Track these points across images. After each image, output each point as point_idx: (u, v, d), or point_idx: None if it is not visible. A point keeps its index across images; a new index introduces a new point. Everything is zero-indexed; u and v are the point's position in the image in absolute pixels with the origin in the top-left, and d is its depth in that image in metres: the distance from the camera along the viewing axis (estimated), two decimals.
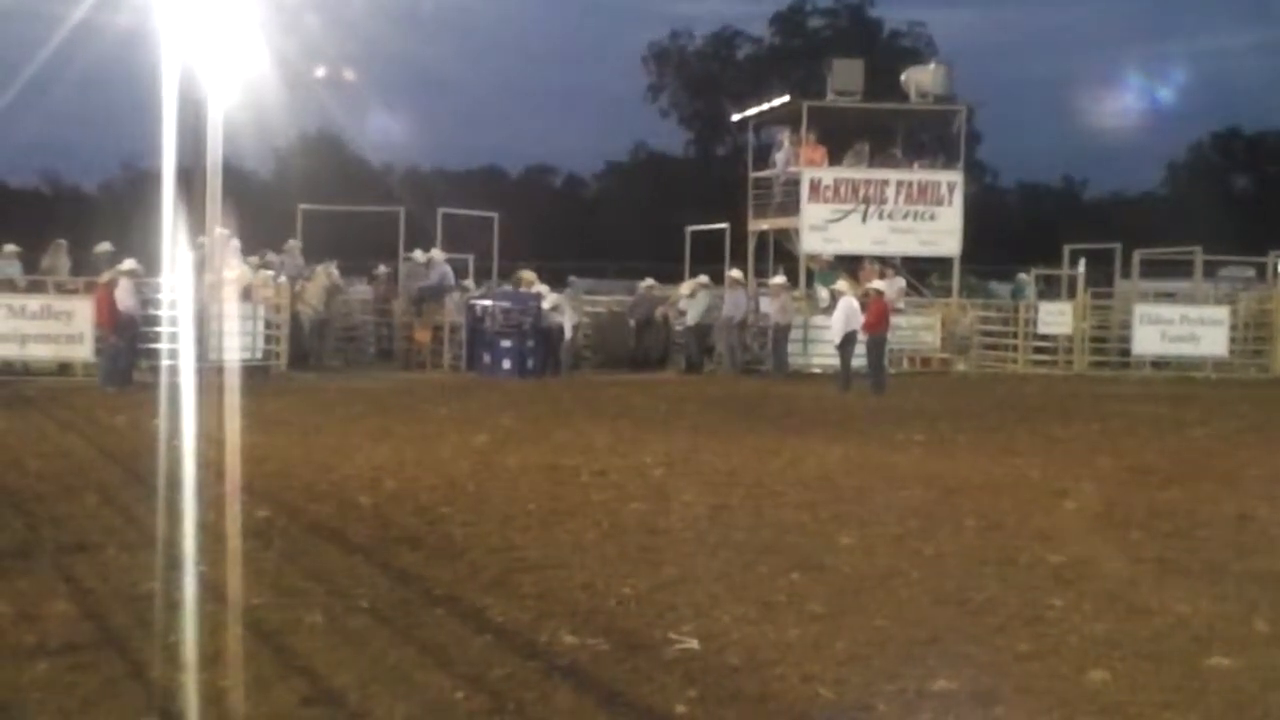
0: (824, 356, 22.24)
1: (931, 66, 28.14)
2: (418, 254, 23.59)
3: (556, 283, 24.89)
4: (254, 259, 22.08)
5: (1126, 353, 24.66)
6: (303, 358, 21.28)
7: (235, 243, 21.12)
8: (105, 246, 21.90)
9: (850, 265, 25.20)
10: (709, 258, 26.17)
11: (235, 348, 18.42)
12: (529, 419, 15.17)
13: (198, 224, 19.30)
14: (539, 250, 32.77)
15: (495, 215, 25.46)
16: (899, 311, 23.24)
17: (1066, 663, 6.13)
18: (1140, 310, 24.57)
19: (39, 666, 5.71)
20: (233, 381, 13.10)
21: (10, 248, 22.27)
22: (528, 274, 23.06)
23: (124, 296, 18.19)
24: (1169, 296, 27.22)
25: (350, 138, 54.89)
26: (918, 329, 24.40)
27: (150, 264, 19.32)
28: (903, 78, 27.47)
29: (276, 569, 7.52)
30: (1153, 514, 9.86)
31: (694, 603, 6.99)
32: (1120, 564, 8.19)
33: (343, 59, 37.03)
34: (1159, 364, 24.54)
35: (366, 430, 13.87)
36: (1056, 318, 24.62)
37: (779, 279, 23.45)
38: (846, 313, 20.20)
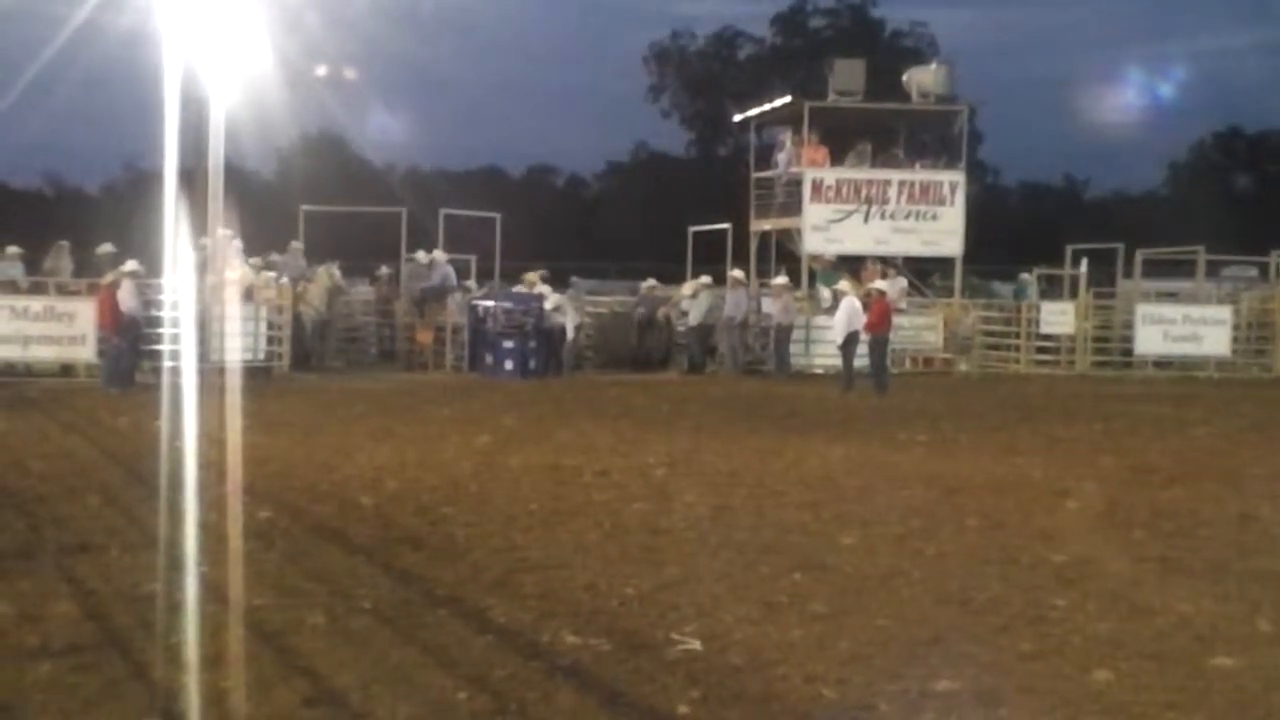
0: (826, 357, 22.23)
1: (933, 66, 28.15)
2: (420, 255, 23.59)
3: (559, 284, 24.88)
4: (256, 260, 22.08)
5: (1129, 352, 24.65)
6: (305, 359, 21.28)
7: (237, 244, 21.11)
8: (107, 248, 21.90)
9: (852, 265, 25.19)
10: (711, 258, 26.18)
11: (237, 349, 18.45)
12: (531, 419, 15.17)
13: (200, 225, 19.29)
14: (541, 251, 32.74)
15: (497, 216, 25.45)
16: (901, 311, 23.24)
17: (1069, 663, 6.13)
18: (1142, 310, 24.57)
19: (41, 667, 5.71)
20: (235, 382, 13.11)
21: (12, 249, 22.27)
22: (531, 275, 23.08)
23: (126, 298, 18.19)
24: (1171, 296, 27.21)
25: (352, 138, 54.95)
26: (920, 329, 24.39)
27: (152, 265, 19.32)
28: (904, 78, 27.46)
29: (278, 570, 7.53)
30: (1155, 514, 9.85)
31: (696, 603, 6.98)
32: (1123, 564, 8.18)
33: (344, 59, 37.07)
34: (1161, 364, 24.54)
35: (368, 431, 13.87)
36: (1059, 318, 24.59)
37: (781, 279, 23.45)
38: (849, 313, 20.21)
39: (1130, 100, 64.39)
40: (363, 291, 25.73)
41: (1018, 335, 24.74)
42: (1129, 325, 24.73)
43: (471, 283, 24.05)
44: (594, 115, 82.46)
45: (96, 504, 9.47)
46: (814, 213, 25.46)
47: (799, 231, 25.75)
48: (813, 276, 25.49)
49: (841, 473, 11.54)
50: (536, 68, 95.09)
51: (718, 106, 56.84)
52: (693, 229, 27.63)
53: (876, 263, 24.67)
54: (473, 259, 25.28)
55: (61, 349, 19.29)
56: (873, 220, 25.60)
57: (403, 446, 12.63)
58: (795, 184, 26.01)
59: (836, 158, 26.43)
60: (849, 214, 25.56)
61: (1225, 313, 24.83)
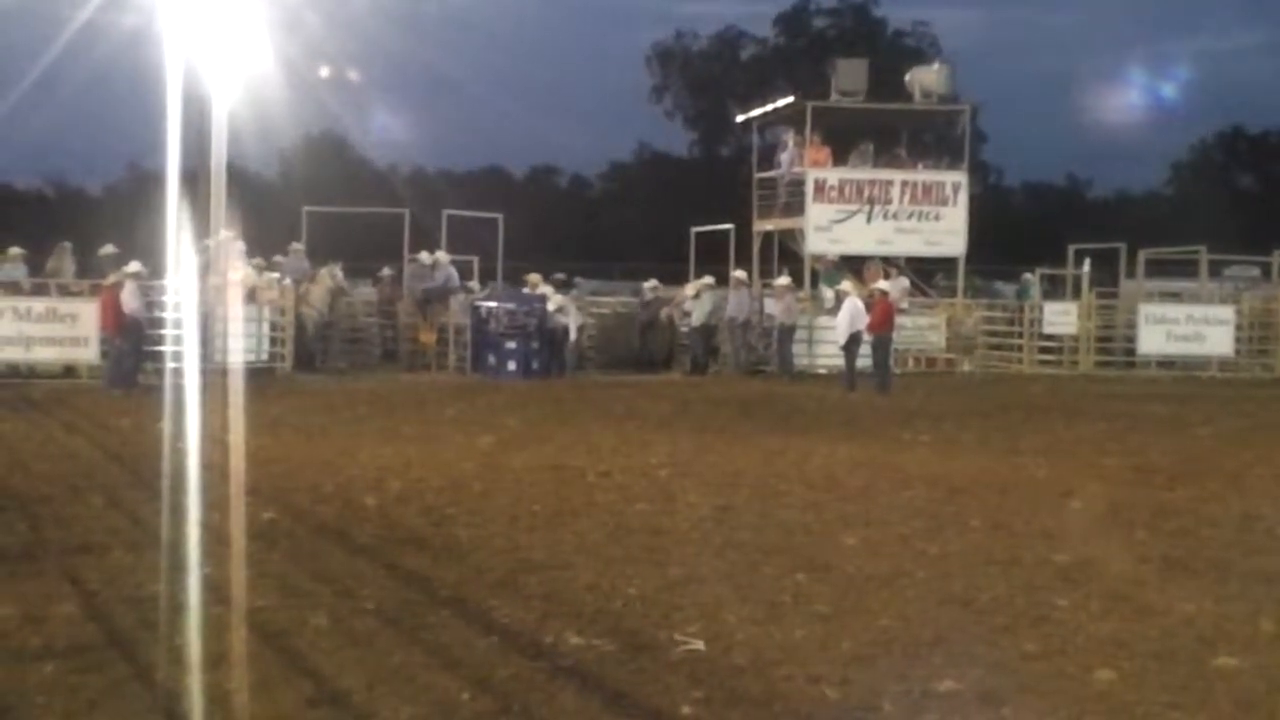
0: (829, 357, 22.22)
1: (936, 66, 28.13)
2: (423, 255, 23.58)
3: (563, 285, 24.88)
4: (258, 260, 22.09)
5: (1132, 352, 24.64)
6: (307, 360, 21.29)
7: (240, 245, 21.13)
8: (110, 249, 21.92)
9: (855, 266, 25.19)
10: (714, 258, 26.16)
11: (239, 350, 18.45)
12: (534, 420, 15.17)
13: (202, 226, 19.33)
14: (543, 251, 32.77)
15: (500, 216, 25.45)
16: (903, 312, 23.23)
17: (1073, 663, 6.12)
18: (1145, 310, 24.55)
19: (45, 668, 5.72)
20: (237, 383, 13.13)
21: (15, 250, 22.30)
22: (534, 276, 23.11)
23: (129, 299, 18.19)
24: (1174, 296, 27.18)
25: (355, 139, 55.03)
26: (922, 329, 24.39)
27: (155, 266, 19.35)
28: (907, 78, 27.44)
29: (281, 571, 7.52)
30: (1158, 513, 9.84)
31: (699, 603, 6.98)
32: (1126, 564, 8.18)
33: (347, 60, 37.14)
34: (1164, 364, 24.51)
35: (371, 432, 13.87)
36: (1061, 317, 24.58)
37: (784, 280, 23.42)
38: (851, 313, 20.20)
39: (1133, 100, 64.48)
40: (365, 292, 25.73)
41: (1020, 335, 24.73)
42: (1132, 325, 24.71)
43: (474, 283, 24.06)
44: (597, 116, 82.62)
45: (99, 505, 9.47)
46: (817, 213, 25.46)
47: (802, 232, 25.75)
48: (815, 277, 25.48)
49: (844, 473, 11.53)
50: (539, 68, 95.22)
51: (720, 107, 56.87)
52: (695, 229, 27.62)
53: (879, 263, 24.66)
54: (475, 260, 25.29)
55: (64, 350, 19.30)
56: (875, 220, 25.59)
57: (406, 447, 12.63)
58: (798, 184, 26.00)
59: (839, 158, 26.42)
60: (852, 214, 25.55)
61: (1228, 313, 24.80)
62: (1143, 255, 27.38)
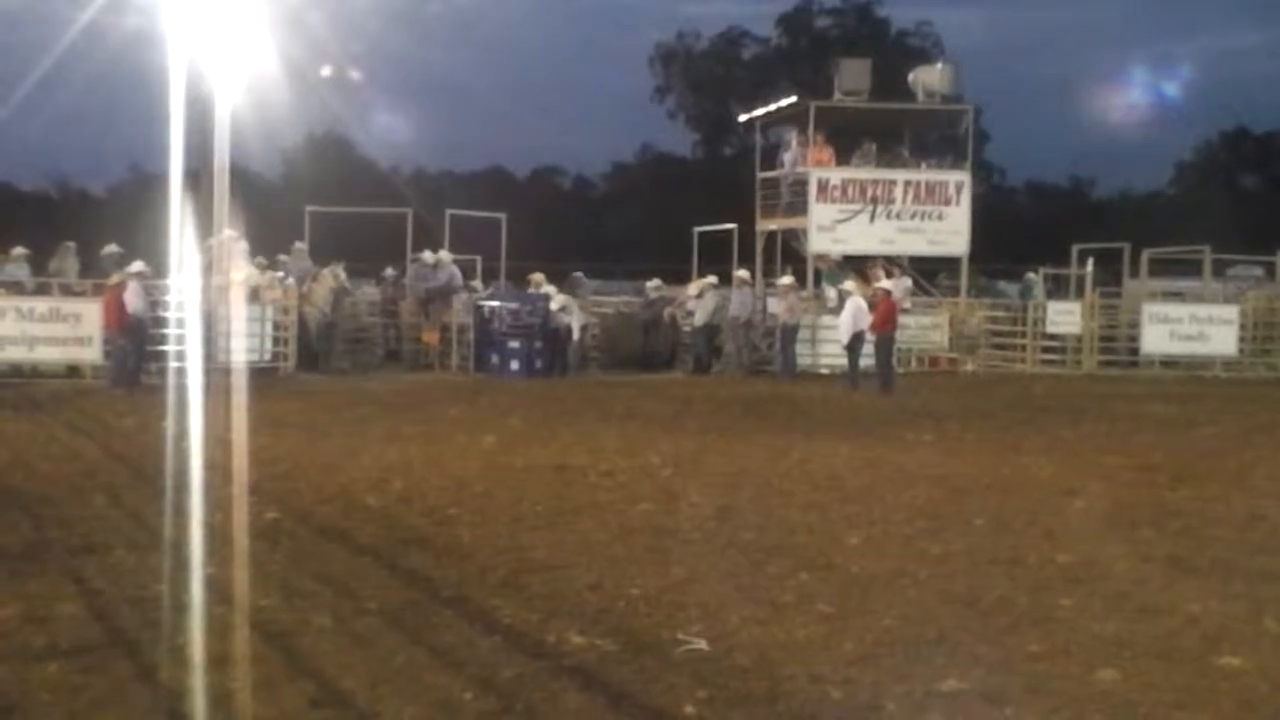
0: (832, 357, 22.23)
1: (939, 66, 28.11)
2: (425, 255, 23.59)
3: (580, 284, 24.91)
4: (260, 259, 22.10)
5: (1135, 352, 24.64)
6: (310, 360, 21.30)
7: (243, 245, 21.14)
8: (113, 249, 21.95)
9: (858, 265, 25.19)
10: (716, 258, 26.16)
11: (242, 350, 18.48)
12: (537, 420, 15.18)
13: (205, 226, 19.38)
14: (546, 251, 32.75)
15: (503, 216, 25.45)
16: (906, 311, 23.23)
17: (1076, 662, 6.12)
18: (1149, 309, 24.54)
19: (48, 668, 5.72)
20: (240, 383, 13.14)
21: (18, 250, 22.35)
22: (538, 276, 23.11)
23: (132, 299, 18.21)
24: (1178, 296, 27.17)
25: (357, 139, 55.04)
26: (926, 329, 24.38)
27: (158, 266, 19.38)
28: (910, 77, 27.43)
29: (284, 571, 7.52)
30: (1162, 513, 9.83)
31: (702, 603, 6.98)
32: (1130, 563, 8.17)
33: (350, 60, 37.12)
34: (1168, 363, 24.50)
35: (374, 432, 13.87)
36: (1065, 317, 24.57)
37: (787, 279, 23.43)
38: (854, 313, 20.20)
39: (1137, 100, 64.38)
40: (368, 292, 25.74)
41: (1024, 335, 24.73)
42: (1135, 325, 24.71)
43: (477, 283, 24.07)
44: (600, 116, 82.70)
45: (103, 505, 9.47)
46: (820, 212, 25.45)
47: (804, 231, 25.73)
48: (818, 276, 25.48)
49: (847, 473, 11.53)
50: (542, 69, 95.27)
51: (723, 107, 56.90)
52: (698, 229, 27.61)
53: (882, 262, 24.65)
54: (478, 259, 25.30)
55: (67, 350, 19.31)
56: (878, 220, 25.58)
57: (408, 447, 12.63)
58: (801, 184, 25.98)
59: (842, 157, 26.41)
60: (855, 214, 25.54)
61: (1232, 312, 24.79)
62: (1146, 255, 27.36)
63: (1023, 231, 46.97)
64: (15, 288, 20.71)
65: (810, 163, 25.83)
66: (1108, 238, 28.51)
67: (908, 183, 25.82)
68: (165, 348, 18.75)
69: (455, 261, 23.64)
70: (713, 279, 23.88)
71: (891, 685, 5.74)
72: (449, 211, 24.87)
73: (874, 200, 25.61)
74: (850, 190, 25.65)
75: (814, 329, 23.08)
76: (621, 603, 7.00)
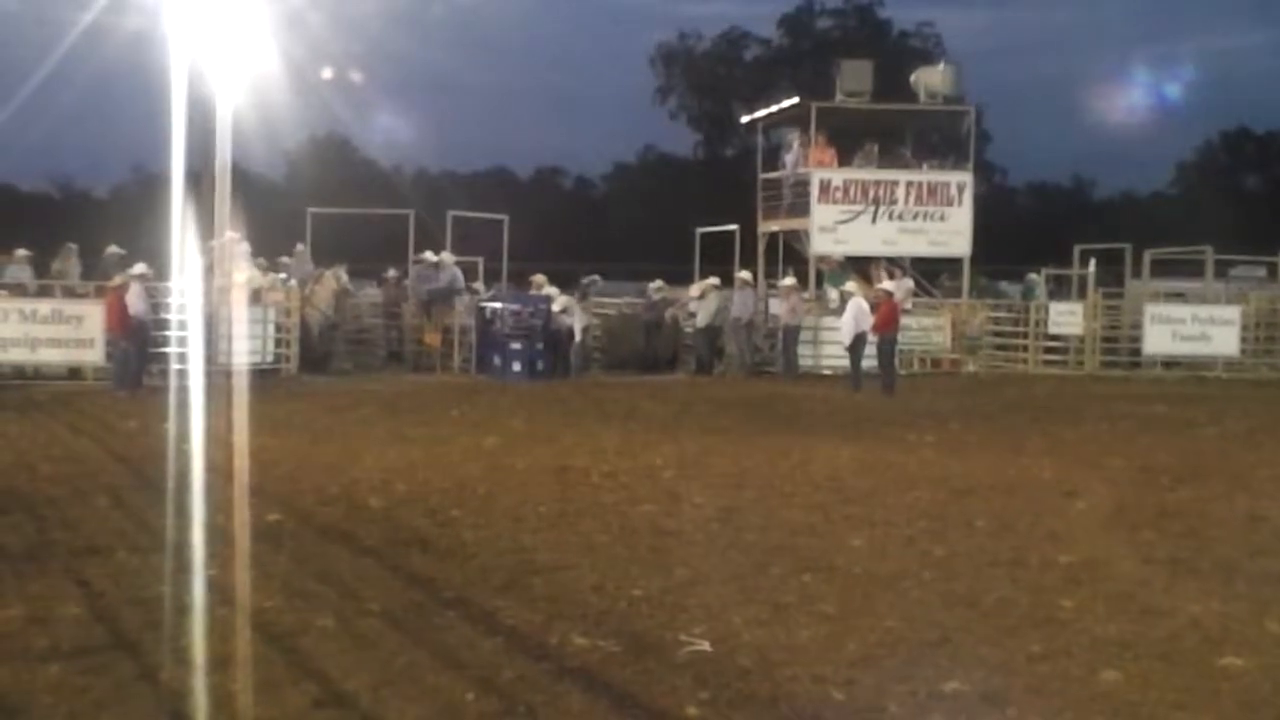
0: (834, 358, 22.22)
1: (940, 67, 28.10)
2: (427, 256, 23.57)
3: (570, 285, 24.88)
4: (262, 261, 22.11)
5: (1137, 353, 24.62)
6: (313, 361, 21.30)
7: (244, 246, 21.15)
8: (115, 250, 21.96)
9: (860, 266, 25.18)
10: (718, 259, 26.13)
11: (244, 351, 18.49)
12: (539, 421, 15.18)
13: (207, 228, 19.39)
14: (548, 253, 32.76)
15: (505, 217, 25.44)
16: (908, 312, 23.22)
17: (1078, 664, 6.12)
18: (1151, 310, 24.52)
19: (50, 669, 5.72)
20: (242, 385, 13.14)
21: (21, 252, 22.36)
22: (539, 277, 23.11)
23: (134, 300, 18.22)
24: (1180, 296, 27.14)
25: (359, 141, 55.09)
26: (928, 330, 24.36)
27: (160, 268, 19.39)
28: (912, 78, 27.41)
29: (287, 572, 7.53)
30: (1164, 514, 9.83)
31: (705, 604, 6.98)
32: (1132, 564, 8.17)
33: (351, 62, 37.15)
34: (1170, 364, 24.47)
35: (376, 433, 13.87)
36: (1067, 318, 24.56)
37: (789, 280, 23.43)
38: (856, 314, 20.20)
39: (1138, 100, 64.40)
40: (370, 294, 25.72)
41: (1026, 335, 24.72)
42: (1137, 325, 24.69)
43: (479, 284, 24.07)
44: (601, 117, 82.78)
45: (105, 506, 9.48)
46: (821, 213, 25.43)
47: (806, 232, 25.70)
48: (820, 277, 25.47)
49: (850, 474, 11.53)
50: (544, 70, 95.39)
51: (725, 108, 56.96)
52: (700, 230, 27.59)
53: (884, 263, 24.65)
54: (480, 261, 25.30)
55: (70, 352, 19.31)
56: (880, 221, 25.55)
57: (410, 449, 12.64)
58: (803, 185, 25.96)
59: (844, 158, 26.37)
60: (856, 215, 25.51)
61: (1234, 312, 24.76)
62: (1148, 255, 27.34)
63: (1024, 232, 46.98)
64: (18, 289, 20.72)
65: (812, 163, 25.81)
66: (1109, 238, 28.49)
67: (909, 184, 25.80)
68: (167, 349, 18.75)
69: (457, 263, 23.62)
70: (715, 280, 23.87)
71: (894, 686, 5.74)
72: (451, 213, 24.87)
73: (876, 201, 25.58)
74: (852, 191, 25.63)
75: (816, 330, 23.07)
76: (624, 604, 7.01)
